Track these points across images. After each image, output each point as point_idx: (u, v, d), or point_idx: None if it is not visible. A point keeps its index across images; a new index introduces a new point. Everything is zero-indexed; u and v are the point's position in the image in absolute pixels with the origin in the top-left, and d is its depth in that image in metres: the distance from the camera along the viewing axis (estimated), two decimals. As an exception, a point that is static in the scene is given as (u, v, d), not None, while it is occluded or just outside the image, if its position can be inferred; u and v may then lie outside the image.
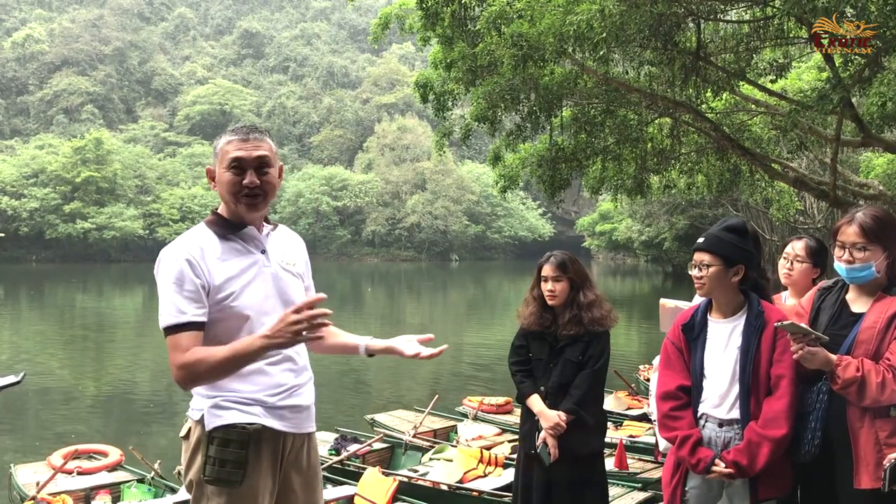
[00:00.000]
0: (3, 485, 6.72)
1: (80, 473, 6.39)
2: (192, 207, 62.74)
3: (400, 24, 12.33)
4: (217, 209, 2.51)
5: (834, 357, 2.67)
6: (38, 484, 5.95)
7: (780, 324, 2.72)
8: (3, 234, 55.22)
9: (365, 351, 2.69)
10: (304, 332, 2.13)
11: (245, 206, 2.40)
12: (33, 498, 5.72)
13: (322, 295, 2.29)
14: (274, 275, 2.45)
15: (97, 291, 36.80)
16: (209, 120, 77.80)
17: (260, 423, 2.34)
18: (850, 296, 2.86)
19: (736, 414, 2.84)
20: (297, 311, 2.14)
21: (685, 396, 2.95)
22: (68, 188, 59.24)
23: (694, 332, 2.97)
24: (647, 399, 8.57)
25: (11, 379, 2.59)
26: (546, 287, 3.78)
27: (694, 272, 2.92)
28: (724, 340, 2.90)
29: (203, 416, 2.38)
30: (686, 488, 2.94)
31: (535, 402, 3.77)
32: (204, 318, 2.30)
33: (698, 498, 2.92)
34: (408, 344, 2.63)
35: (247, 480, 2.30)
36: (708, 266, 2.88)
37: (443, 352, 2.62)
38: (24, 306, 29.75)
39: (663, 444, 3.46)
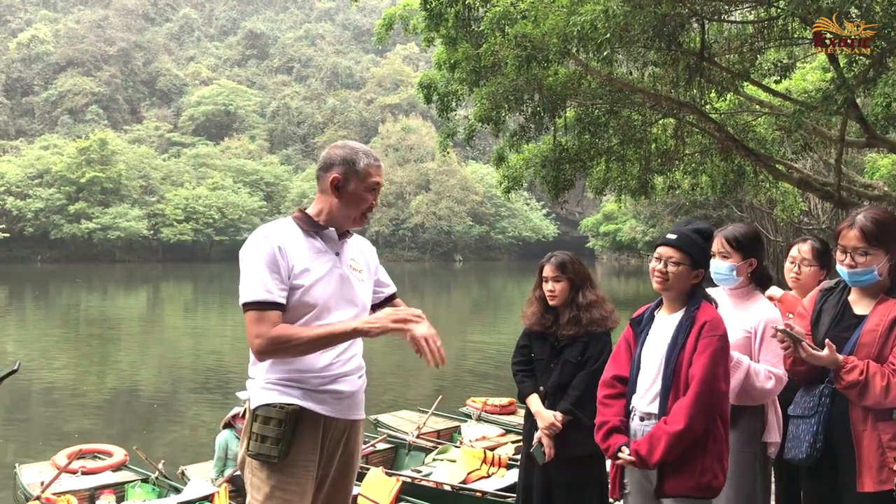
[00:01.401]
0: (9, 484, 6.75)
1: (84, 473, 6.41)
2: (197, 208, 62.81)
3: (404, 24, 12.34)
4: (305, 208, 2.72)
5: (840, 357, 2.66)
6: (42, 483, 5.97)
7: (780, 328, 2.73)
8: (8, 235, 55.34)
9: None
10: (396, 322, 2.44)
11: (362, 220, 2.71)
12: (38, 497, 5.73)
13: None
14: (342, 275, 2.66)
15: (102, 291, 36.86)
16: (213, 120, 77.92)
17: (298, 404, 2.53)
18: (853, 297, 2.85)
19: (655, 408, 2.87)
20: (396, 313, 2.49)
21: (620, 386, 3.00)
22: (73, 188, 59.36)
23: (640, 327, 3.03)
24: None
25: (9, 368, 2.64)
26: (546, 287, 3.79)
27: (657, 265, 2.92)
28: (660, 336, 2.94)
29: (250, 396, 2.61)
30: (625, 480, 2.99)
31: (534, 402, 3.79)
32: (285, 301, 2.53)
33: (635, 483, 2.96)
34: None
35: (287, 458, 2.50)
36: (677, 264, 2.89)
37: None
38: (28, 306, 29.82)
39: None
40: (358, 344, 2.72)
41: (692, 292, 2.94)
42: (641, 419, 2.91)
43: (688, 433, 2.74)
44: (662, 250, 2.93)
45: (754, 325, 3.10)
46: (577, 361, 3.70)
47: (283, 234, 2.59)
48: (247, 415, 2.62)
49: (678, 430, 2.73)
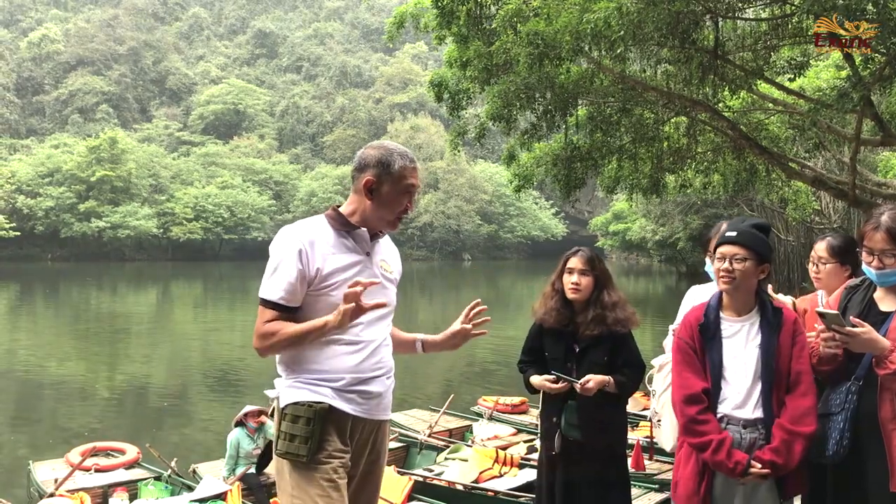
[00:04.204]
0: (22, 482, 6.77)
1: (97, 471, 6.44)
2: (206, 206, 62.98)
3: (415, 23, 12.30)
4: (338, 206, 2.67)
5: (886, 341, 2.62)
6: (56, 481, 5.99)
7: (824, 311, 2.69)
8: (18, 233, 55.61)
9: (421, 347, 2.93)
10: (347, 301, 2.38)
11: (396, 224, 2.65)
12: (51, 495, 5.75)
13: (384, 300, 2.54)
14: (373, 275, 2.62)
15: (112, 290, 37.01)
16: (223, 119, 78.11)
17: (327, 402, 2.50)
18: (878, 294, 2.83)
19: (760, 413, 2.79)
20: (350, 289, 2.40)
21: (707, 399, 2.86)
22: (83, 187, 59.59)
23: (710, 332, 2.90)
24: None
25: None
26: (570, 279, 3.65)
27: (722, 265, 2.83)
28: (742, 339, 2.85)
29: (279, 395, 2.60)
30: (713, 496, 2.83)
31: (538, 378, 3.63)
32: (292, 305, 2.52)
33: (735, 495, 2.84)
34: (458, 332, 2.86)
35: (316, 457, 2.47)
36: (742, 260, 2.81)
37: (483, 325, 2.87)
38: (39, 304, 29.96)
39: (670, 445, 3.39)
40: (388, 347, 2.71)
41: (758, 290, 2.88)
42: (745, 426, 2.81)
43: (816, 431, 2.74)
44: (725, 249, 2.85)
45: None
46: (604, 363, 3.57)
47: (313, 233, 2.56)
48: (275, 413, 2.60)
49: (812, 431, 2.72)
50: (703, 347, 2.89)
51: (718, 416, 2.84)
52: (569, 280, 3.66)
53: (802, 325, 2.86)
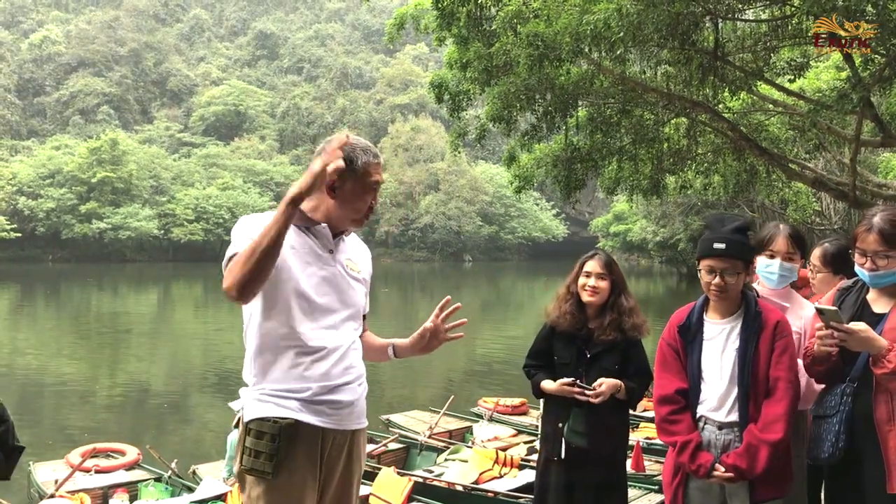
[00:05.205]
0: (23, 482, 6.77)
1: (98, 472, 6.44)
2: (207, 208, 62.98)
3: (415, 24, 12.31)
4: None
5: (883, 340, 2.60)
6: (56, 482, 6.00)
7: (823, 307, 2.67)
8: (20, 234, 55.65)
9: (392, 352, 2.78)
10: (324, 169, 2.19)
11: (361, 222, 2.52)
12: (52, 496, 5.75)
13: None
14: (336, 274, 2.50)
15: (113, 291, 37.02)
16: (224, 121, 78.13)
17: (293, 417, 2.37)
18: (871, 296, 2.82)
19: (735, 417, 2.80)
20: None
21: (683, 400, 2.89)
22: (84, 188, 59.60)
23: (690, 333, 2.91)
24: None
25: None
26: (588, 282, 3.61)
27: (713, 280, 2.79)
28: (721, 342, 2.85)
29: (244, 407, 2.47)
30: (687, 490, 2.90)
31: (552, 384, 3.59)
32: None
33: (700, 499, 2.89)
34: (427, 330, 2.71)
35: (283, 474, 2.34)
36: (734, 273, 2.80)
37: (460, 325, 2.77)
38: (40, 306, 29.97)
39: None
40: (356, 351, 2.56)
41: (742, 292, 2.87)
42: (720, 428, 2.83)
43: (788, 438, 2.72)
44: (714, 263, 2.81)
45: (802, 325, 3.03)
46: (615, 370, 3.54)
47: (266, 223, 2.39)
48: (240, 426, 2.48)
49: (780, 438, 2.69)
50: (685, 349, 2.92)
51: (697, 416, 2.88)
52: (586, 283, 3.63)
53: (787, 327, 2.83)
